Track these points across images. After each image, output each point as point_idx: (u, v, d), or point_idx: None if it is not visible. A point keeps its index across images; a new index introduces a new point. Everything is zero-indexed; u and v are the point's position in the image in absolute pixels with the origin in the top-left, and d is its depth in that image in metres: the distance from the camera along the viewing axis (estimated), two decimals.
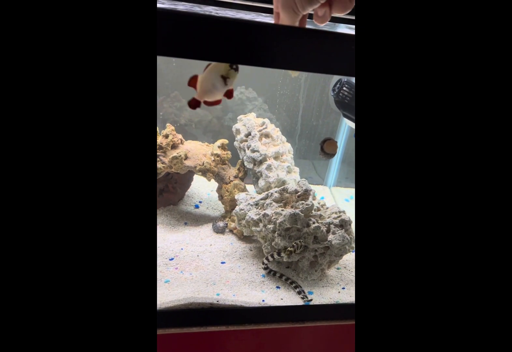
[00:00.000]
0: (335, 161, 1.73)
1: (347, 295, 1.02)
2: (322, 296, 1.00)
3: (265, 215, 1.05)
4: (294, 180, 1.30)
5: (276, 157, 1.30)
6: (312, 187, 1.12)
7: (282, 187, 1.11)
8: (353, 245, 1.05)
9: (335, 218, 1.06)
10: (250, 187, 1.37)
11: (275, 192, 1.10)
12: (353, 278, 1.10)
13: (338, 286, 1.05)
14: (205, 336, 0.92)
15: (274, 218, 1.03)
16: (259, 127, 1.31)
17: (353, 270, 1.14)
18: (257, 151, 1.27)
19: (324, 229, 1.01)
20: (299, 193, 1.08)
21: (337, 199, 1.66)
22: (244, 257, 1.13)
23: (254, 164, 1.29)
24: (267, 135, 1.31)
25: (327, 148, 1.02)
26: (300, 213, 1.00)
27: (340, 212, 1.09)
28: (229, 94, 0.68)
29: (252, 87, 1.74)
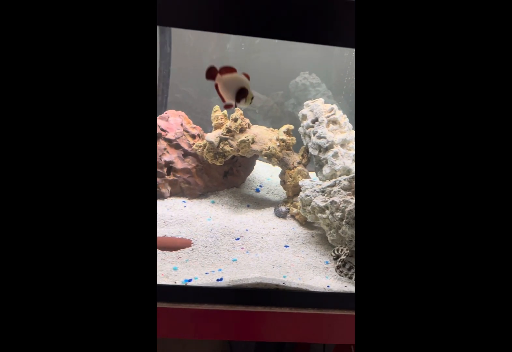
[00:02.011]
0: None
1: None
2: None
3: (333, 202, 1.04)
4: None
5: (343, 144, 1.28)
6: None
7: (352, 175, 1.09)
8: None
9: None
10: (311, 174, 1.36)
11: (344, 179, 1.08)
12: None
13: None
14: (269, 316, 0.95)
15: (342, 206, 1.02)
16: (327, 113, 1.28)
17: None
18: (324, 137, 1.25)
19: None
20: None
21: None
22: (307, 243, 1.14)
23: (320, 151, 1.27)
24: (334, 122, 1.29)
25: None
26: None
27: None
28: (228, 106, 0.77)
29: (315, 73, 1.71)
